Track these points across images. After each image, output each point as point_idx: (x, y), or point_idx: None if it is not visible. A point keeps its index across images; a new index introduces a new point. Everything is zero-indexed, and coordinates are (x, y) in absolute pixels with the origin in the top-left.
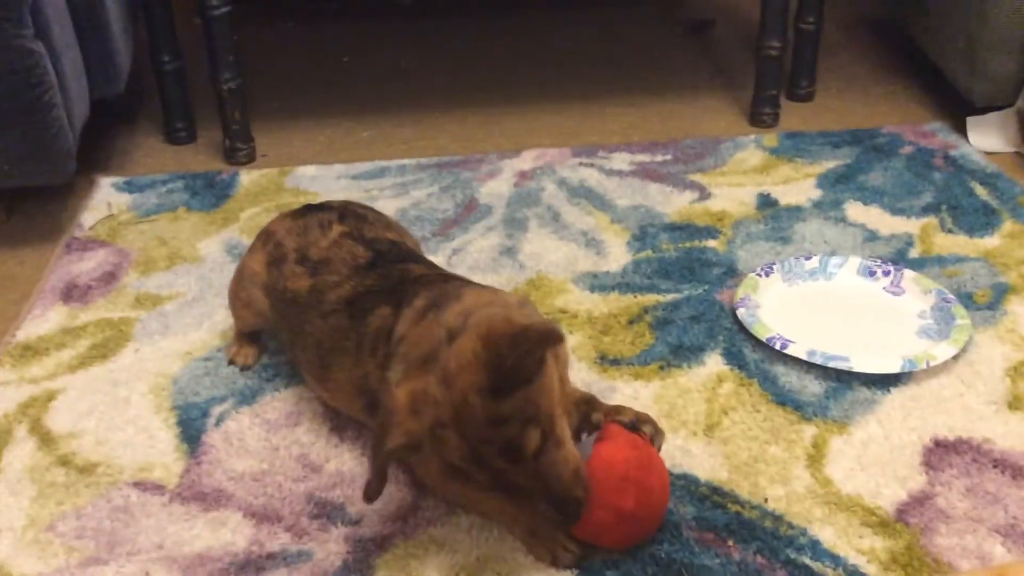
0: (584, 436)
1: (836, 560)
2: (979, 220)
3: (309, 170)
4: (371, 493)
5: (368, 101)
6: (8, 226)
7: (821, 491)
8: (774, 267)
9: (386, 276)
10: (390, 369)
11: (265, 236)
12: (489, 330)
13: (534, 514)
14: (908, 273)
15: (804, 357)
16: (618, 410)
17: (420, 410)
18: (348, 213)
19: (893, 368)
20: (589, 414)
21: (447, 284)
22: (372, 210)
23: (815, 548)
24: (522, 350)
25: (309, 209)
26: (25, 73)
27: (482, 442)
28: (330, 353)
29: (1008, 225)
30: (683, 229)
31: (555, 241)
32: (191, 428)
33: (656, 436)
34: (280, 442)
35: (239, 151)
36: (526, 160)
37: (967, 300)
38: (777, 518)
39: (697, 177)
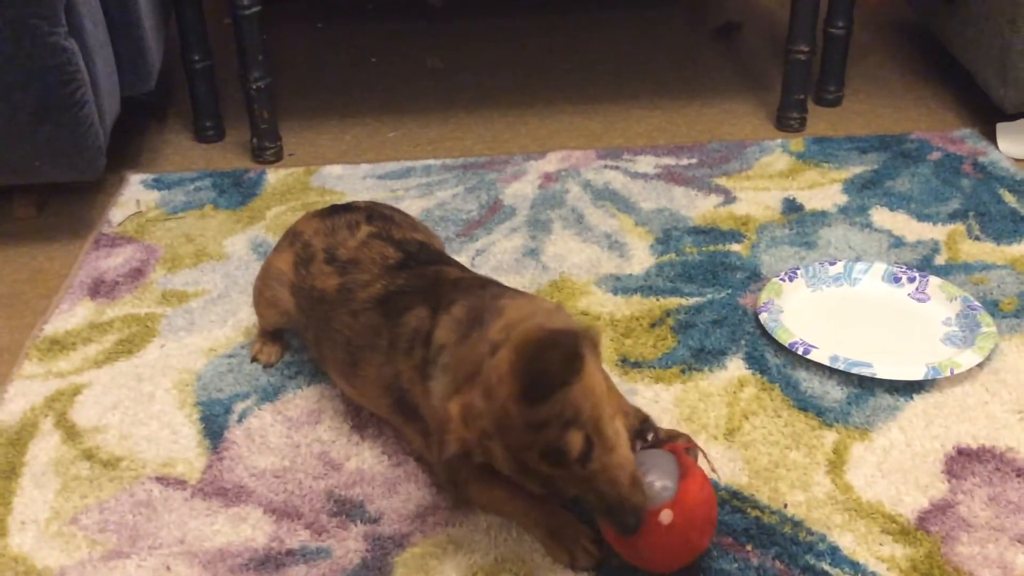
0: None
1: (855, 567)
2: (1007, 227)
3: (335, 169)
4: (456, 503)
5: (395, 101)
6: (38, 221)
7: (841, 497)
8: (798, 272)
9: (419, 276)
10: (432, 379)
11: (292, 236)
12: (521, 339)
13: (555, 516)
14: (934, 280)
15: (827, 363)
16: (673, 435)
17: (470, 422)
18: (375, 214)
19: (917, 375)
20: (645, 432)
21: (484, 291)
22: (398, 211)
23: (834, 555)
24: (551, 353)
25: (335, 210)
26: (58, 70)
27: (523, 449)
28: (361, 350)
29: None
30: (707, 233)
31: (579, 243)
32: (214, 424)
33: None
34: (301, 439)
35: (266, 150)
36: (551, 162)
37: (993, 308)
38: (796, 524)
39: (722, 181)
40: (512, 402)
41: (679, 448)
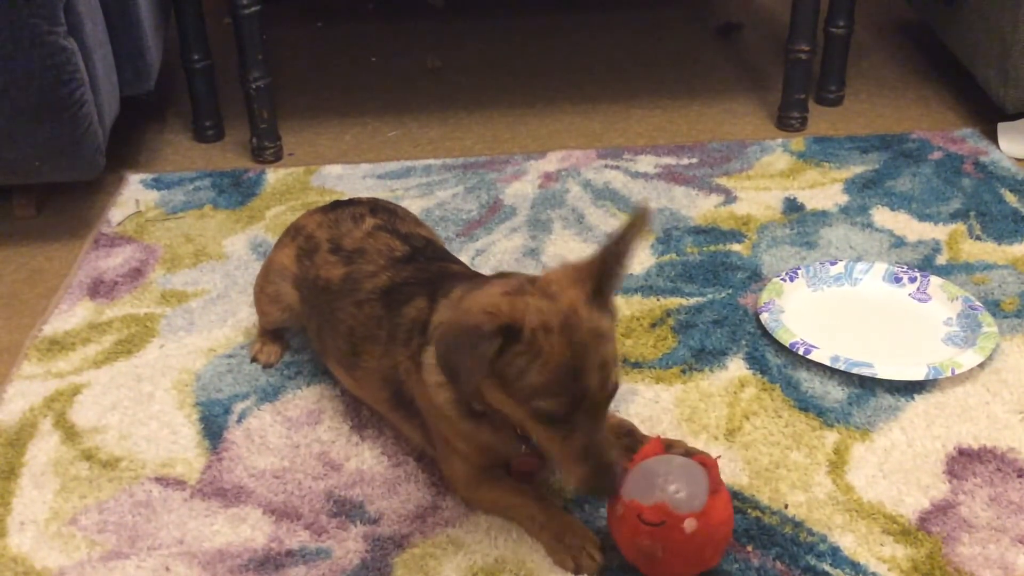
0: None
1: (856, 568)
2: (1008, 227)
3: (335, 169)
4: (470, 393)
5: (395, 101)
6: (37, 221)
7: (842, 498)
8: (799, 272)
9: (424, 271)
10: (424, 354)
11: (294, 231)
12: (439, 333)
13: (560, 520)
14: (935, 280)
15: (827, 363)
16: (672, 444)
17: (518, 307)
18: (379, 207)
19: (918, 375)
20: (633, 446)
21: (482, 278)
22: (400, 207)
23: (835, 555)
24: (454, 349)
25: (337, 204)
26: (57, 70)
27: (585, 352)
28: (362, 341)
29: None
30: (708, 233)
31: (579, 243)
32: (213, 424)
33: None
34: (301, 440)
35: (266, 149)
36: (551, 161)
37: (994, 308)
38: (797, 524)
39: (723, 180)
40: (582, 304)
41: (711, 463)
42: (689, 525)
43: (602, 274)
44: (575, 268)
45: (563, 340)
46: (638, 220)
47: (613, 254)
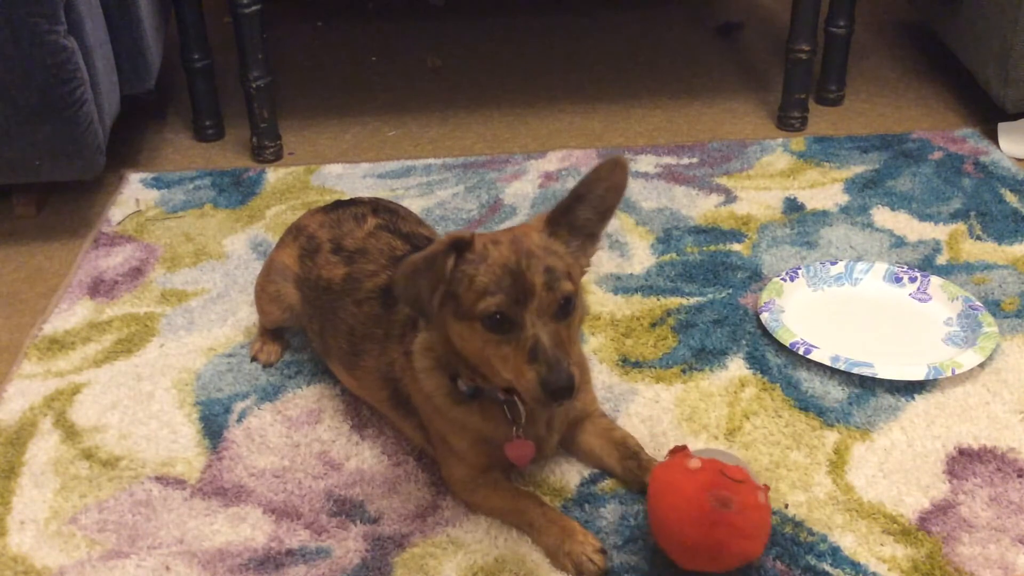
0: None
1: (857, 567)
2: (1008, 227)
3: (335, 168)
4: (421, 308)
5: (395, 100)
6: (38, 220)
7: (843, 498)
8: (799, 272)
9: None
10: (414, 344)
11: (296, 231)
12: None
13: (561, 524)
14: (935, 280)
15: (828, 363)
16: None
17: (480, 241)
18: (381, 207)
19: (918, 375)
20: (638, 469)
21: None
22: (401, 207)
23: (835, 555)
24: (578, 192)
25: (339, 204)
26: (57, 69)
27: (530, 257)
28: (362, 340)
29: None
30: (708, 232)
31: None
32: (213, 424)
33: None
34: (301, 439)
35: (266, 149)
36: (552, 161)
37: (994, 308)
38: (797, 524)
39: (723, 180)
40: (538, 226)
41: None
42: (762, 495)
43: (558, 208)
44: (538, 215)
45: (509, 247)
46: (607, 168)
47: (574, 193)
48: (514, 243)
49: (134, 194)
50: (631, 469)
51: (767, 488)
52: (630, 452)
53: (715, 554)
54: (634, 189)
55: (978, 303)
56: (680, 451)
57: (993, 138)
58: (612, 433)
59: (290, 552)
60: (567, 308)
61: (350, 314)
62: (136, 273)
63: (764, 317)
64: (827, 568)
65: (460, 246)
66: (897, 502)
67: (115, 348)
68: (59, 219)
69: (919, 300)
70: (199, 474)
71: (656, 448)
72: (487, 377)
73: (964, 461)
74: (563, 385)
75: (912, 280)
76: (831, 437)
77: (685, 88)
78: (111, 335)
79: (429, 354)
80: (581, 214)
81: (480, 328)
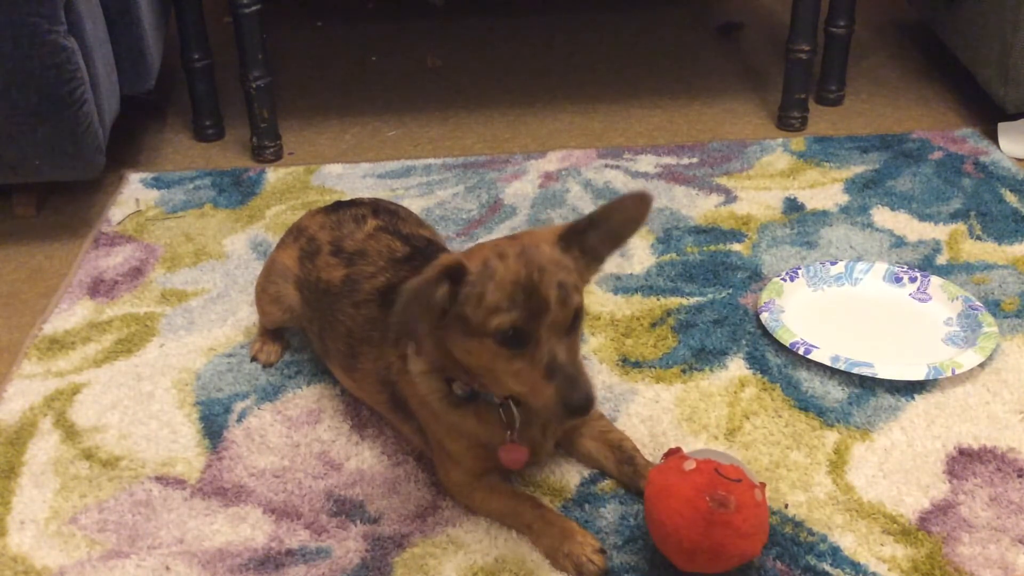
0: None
1: (856, 567)
2: (1008, 227)
3: (335, 168)
4: (411, 334)
5: (395, 100)
6: (37, 220)
7: (842, 498)
8: (799, 272)
9: (419, 270)
10: (409, 347)
11: (297, 232)
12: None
13: (560, 526)
14: (935, 280)
15: (828, 363)
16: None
17: (461, 256)
18: (381, 208)
19: (918, 375)
20: (633, 475)
21: None
22: (402, 207)
23: (835, 555)
24: (595, 217)
25: (340, 205)
26: (57, 69)
27: (543, 272)
28: (359, 343)
29: None
30: (708, 232)
31: None
32: (213, 424)
33: None
34: (301, 439)
35: (266, 149)
36: (551, 161)
37: (994, 308)
38: (797, 524)
39: (723, 180)
40: (549, 240)
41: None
42: (759, 493)
43: (573, 227)
44: (549, 227)
45: (518, 262)
46: (631, 201)
47: (591, 217)
48: (523, 256)
49: (134, 194)
50: (627, 474)
51: (764, 485)
52: (626, 456)
53: (715, 555)
54: (634, 189)
55: (978, 303)
56: (675, 453)
57: (993, 138)
58: (609, 436)
59: (290, 552)
60: (576, 322)
61: (348, 316)
62: (136, 273)
63: (764, 317)
64: (827, 568)
65: (452, 274)
66: (897, 502)
67: (115, 348)
68: (59, 219)
69: (919, 300)
70: (199, 474)
71: (656, 448)
72: (485, 384)
73: (964, 461)
74: (583, 403)
75: (912, 280)
76: (831, 437)
77: (685, 88)
78: (111, 335)
79: (424, 358)
80: (593, 238)
81: (492, 344)
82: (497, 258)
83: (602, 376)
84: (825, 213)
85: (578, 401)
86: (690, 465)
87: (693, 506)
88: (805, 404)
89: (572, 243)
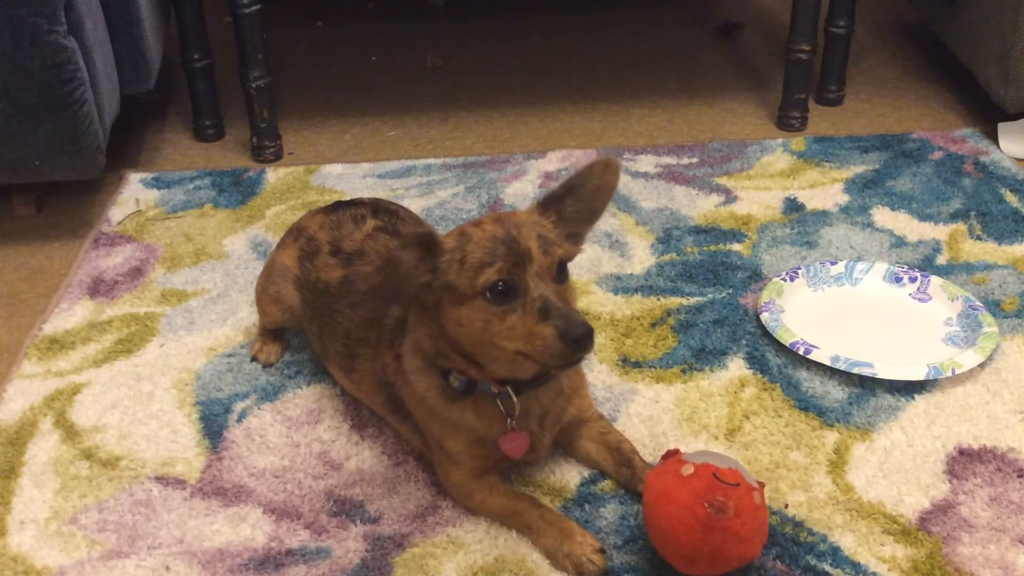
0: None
1: (857, 567)
2: (1008, 227)
3: (335, 168)
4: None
5: (395, 100)
6: (37, 220)
7: (843, 498)
8: (799, 272)
9: None
10: (404, 346)
11: (296, 232)
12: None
13: (560, 526)
14: (935, 280)
15: (828, 363)
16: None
17: (450, 233)
18: (381, 208)
19: (918, 375)
20: (631, 478)
21: None
22: (402, 208)
23: (835, 555)
24: (570, 184)
25: (340, 205)
26: (57, 69)
27: (520, 227)
28: (356, 344)
29: None
30: (708, 232)
31: None
32: (213, 424)
33: None
34: (301, 439)
35: (266, 149)
36: (551, 161)
37: (995, 308)
38: (798, 524)
39: (723, 180)
40: (530, 210)
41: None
42: (758, 496)
43: (551, 195)
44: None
45: (495, 224)
46: (599, 167)
47: (566, 183)
48: (499, 220)
49: (134, 194)
50: (625, 476)
51: (763, 486)
52: (624, 458)
53: (714, 560)
54: (634, 189)
55: (978, 303)
56: (673, 455)
57: (993, 138)
58: (607, 437)
59: (290, 552)
60: (563, 273)
61: (346, 317)
62: (136, 273)
63: (764, 317)
64: (827, 568)
65: (422, 242)
66: (897, 502)
67: (115, 348)
68: (59, 219)
69: (919, 300)
70: (199, 474)
71: (656, 448)
72: (481, 367)
73: (964, 461)
74: (582, 332)
75: (912, 280)
76: (831, 437)
77: (685, 88)
78: (111, 335)
79: (419, 354)
80: (570, 206)
81: (482, 304)
82: (473, 226)
83: (602, 376)
84: (825, 213)
85: (578, 332)
86: (688, 470)
87: (692, 512)
88: (805, 404)
89: (550, 210)
